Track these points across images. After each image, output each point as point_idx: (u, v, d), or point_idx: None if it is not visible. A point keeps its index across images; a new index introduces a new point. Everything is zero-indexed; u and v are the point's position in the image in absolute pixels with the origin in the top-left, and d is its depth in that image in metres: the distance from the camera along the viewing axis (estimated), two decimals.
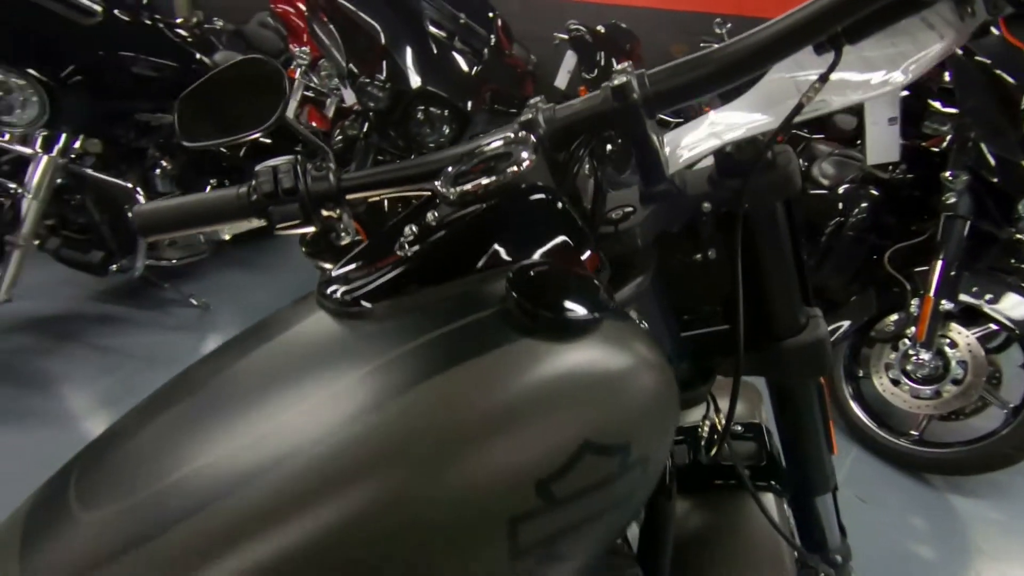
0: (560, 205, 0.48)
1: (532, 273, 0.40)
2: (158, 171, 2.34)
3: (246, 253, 2.95)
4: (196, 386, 0.42)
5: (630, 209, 0.60)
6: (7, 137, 1.87)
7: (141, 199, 2.15)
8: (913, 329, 1.91)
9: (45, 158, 1.91)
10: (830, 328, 2.12)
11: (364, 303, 0.42)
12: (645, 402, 0.40)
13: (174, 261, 2.45)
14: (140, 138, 2.25)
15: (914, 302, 1.92)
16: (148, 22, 2.17)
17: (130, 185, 2.09)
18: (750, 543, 0.77)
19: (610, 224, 0.59)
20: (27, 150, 1.90)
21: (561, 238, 0.46)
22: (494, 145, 0.50)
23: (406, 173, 0.59)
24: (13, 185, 1.92)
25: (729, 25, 3.84)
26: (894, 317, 2.01)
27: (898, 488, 1.92)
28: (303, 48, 3.24)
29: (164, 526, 0.32)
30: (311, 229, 0.60)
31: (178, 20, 2.93)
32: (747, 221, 0.60)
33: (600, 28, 4.06)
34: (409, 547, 0.32)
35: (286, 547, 0.31)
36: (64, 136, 1.91)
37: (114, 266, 2.24)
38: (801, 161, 3.11)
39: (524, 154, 0.47)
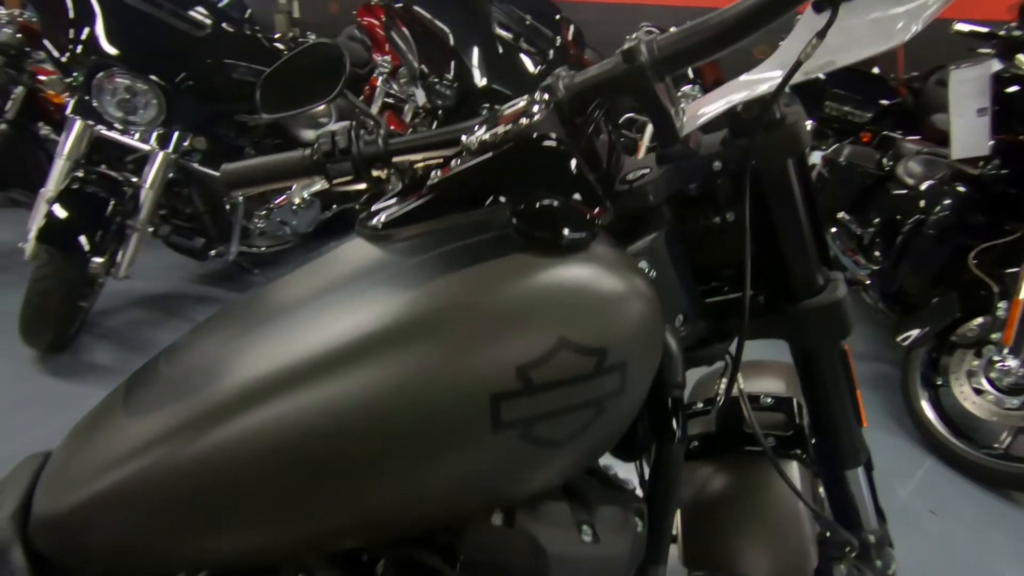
0: (567, 153, 0.54)
1: (534, 205, 0.47)
2: None
3: (326, 244, 3.18)
4: (244, 304, 0.51)
5: (646, 170, 0.65)
6: (136, 136, 2.15)
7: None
8: (999, 334, 1.78)
9: (161, 154, 2.18)
10: (904, 335, 2.02)
11: (390, 229, 0.50)
12: (623, 316, 0.45)
13: (263, 249, 2.71)
14: (239, 137, 2.51)
15: (1001, 305, 1.79)
16: (249, 33, 2.42)
17: None
18: (769, 508, 0.79)
19: (625, 184, 0.64)
20: (146, 147, 2.17)
21: (566, 181, 0.52)
22: (518, 106, 0.57)
23: (444, 137, 0.66)
24: (136, 179, 2.20)
25: None
26: (978, 321, 1.87)
27: (975, 502, 1.78)
28: (385, 57, 3.46)
29: (199, 405, 0.39)
30: (362, 186, 0.69)
31: (276, 35, 3.23)
32: (758, 179, 0.63)
33: (672, 30, 4.02)
34: (409, 412, 0.39)
35: (315, 411, 0.39)
36: (176, 134, 2.18)
37: (212, 252, 2.50)
38: (885, 160, 2.94)
39: (536, 107, 0.53)
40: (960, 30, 2.03)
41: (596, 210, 0.52)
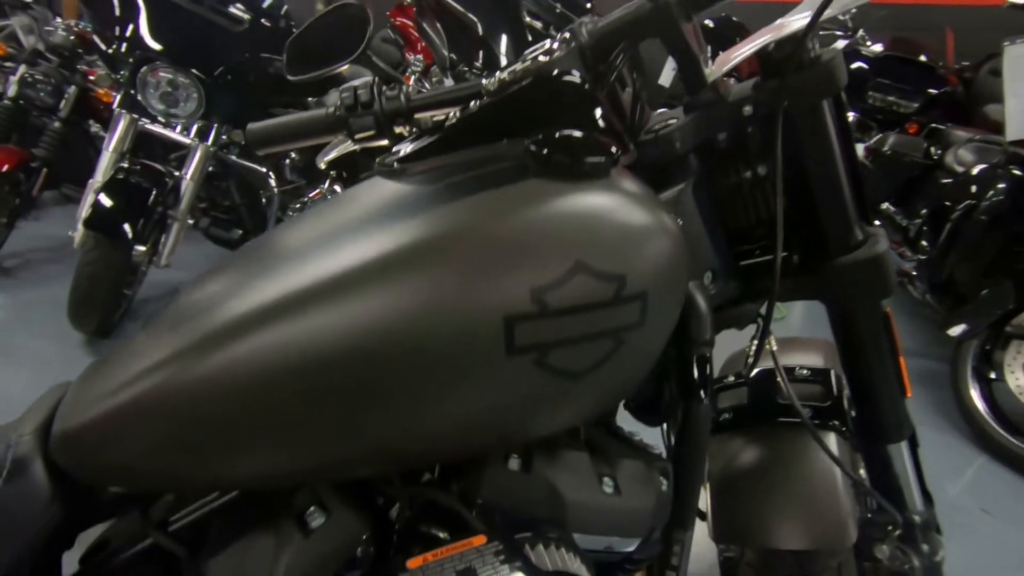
0: (589, 91, 0.52)
1: (553, 134, 0.45)
2: (287, 161, 2.65)
3: None
4: (258, 243, 0.51)
5: (673, 121, 0.63)
6: (179, 129, 2.23)
7: (273, 184, 2.46)
8: None
9: (201, 147, 2.25)
10: (955, 327, 1.92)
11: (406, 164, 0.49)
12: (643, 245, 0.43)
13: None
14: None
15: None
16: (285, 28, 2.48)
17: (264, 170, 2.40)
18: (805, 481, 0.75)
19: (651, 133, 0.62)
20: (186, 140, 2.25)
21: (586, 120, 0.51)
22: (540, 50, 0.56)
23: (467, 92, 0.66)
24: (177, 172, 2.28)
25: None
26: None
27: None
28: (417, 56, 3.51)
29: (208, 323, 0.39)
30: (384, 142, 0.69)
31: None
32: (791, 125, 0.60)
33: (709, 23, 3.96)
34: (422, 336, 0.39)
35: (334, 332, 0.38)
36: (215, 127, 2.24)
37: None
38: (934, 149, 2.82)
39: (555, 44, 0.52)
40: (1015, 2, 1.92)
41: (618, 147, 0.50)
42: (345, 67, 0.74)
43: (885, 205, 2.91)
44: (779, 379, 0.83)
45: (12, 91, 2.69)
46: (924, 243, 2.41)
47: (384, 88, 0.69)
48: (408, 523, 0.47)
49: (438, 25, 2.71)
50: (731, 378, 0.90)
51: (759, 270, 0.68)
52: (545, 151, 0.43)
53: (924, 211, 2.58)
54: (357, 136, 0.69)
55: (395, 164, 0.51)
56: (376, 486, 0.49)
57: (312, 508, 0.43)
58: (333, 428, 0.39)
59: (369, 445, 0.41)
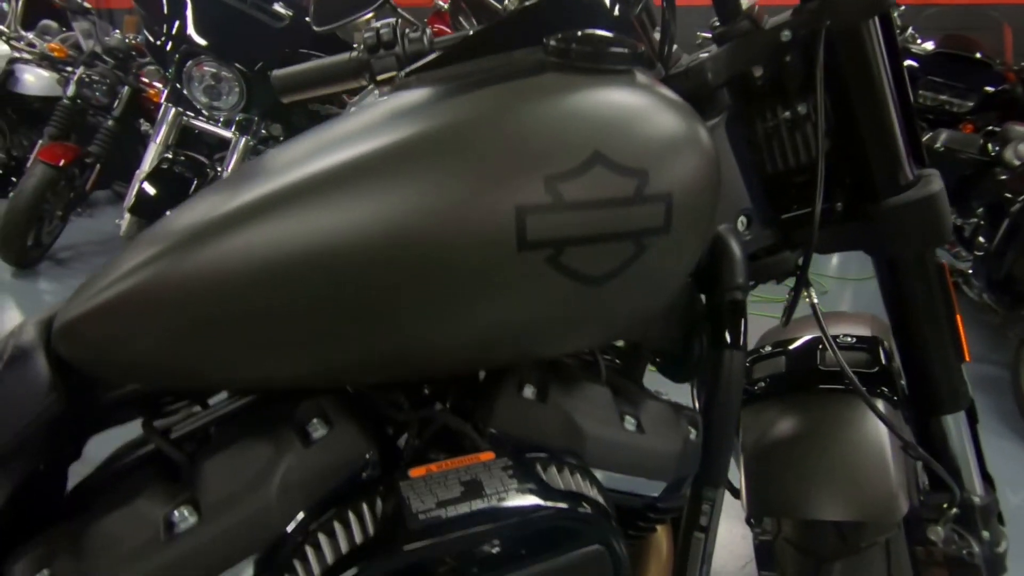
0: (614, 5, 0.50)
1: (575, 33, 0.43)
2: None
3: None
4: (270, 151, 0.50)
5: (706, 55, 0.60)
6: (220, 123, 2.31)
7: None
8: None
9: (243, 140, 2.32)
10: (1016, 327, 1.79)
11: (418, 75, 0.48)
12: (668, 141, 0.40)
13: None
14: (312, 124, 2.63)
15: None
16: None
17: None
18: (850, 449, 0.69)
19: (681, 67, 0.59)
20: (227, 133, 2.32)
21: (603, 21, 0.48)
22: None
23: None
24: (220, 167, 2.36)
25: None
26: None
27: None
28: None
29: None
30: None
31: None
32: (833, 48, 0.56)
33: None
34: (430, 227, 0.36)
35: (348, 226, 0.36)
36: (255, 120, 2.31)
37: None
38: (992, 145, 2.68)
39: None
40: None
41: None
42: (370, 15, 0.73)
43: None
44: (822, 342, 0.79)
45: (71, 91, 2.84)
46: (981, 239, 2.27)
47: (407, 30, 0.69)
48: (415, 449, 0.45)
49: (473, 20, 2.74)
50: (767, 348, 0.85)
51: (798, 219, 0.64)
52: (566, 45, 0.41)
53: (980, 209, 2.45)
54: (379, 77, 0.69)
55: (411, 75, 0.49)
56: (383, 411, 0.47)
57: (315, 420, 0.41)
58: (332, 325, 0.37)
59: (371, 347, 0.39)
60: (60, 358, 0.39)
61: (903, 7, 3.56)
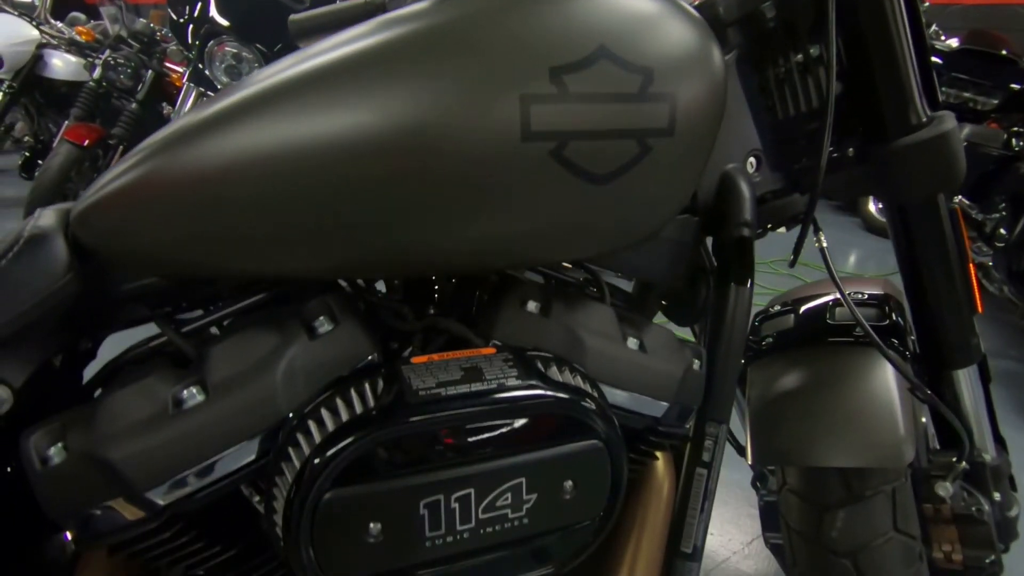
0: None
1: None
2: None
3: None
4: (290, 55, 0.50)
5: None
6: None
7: None
8: None
9: None
10: None
11: None
12: (676, 45, 0.40)
13: None
14: None
15: None
16: None
17: None
18: (857, 397, 0.69)
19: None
20: None
21: None
22: None
23: None
24: None
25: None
26: None
27: None
28: None
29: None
30: None
31: None
32: None
33: None
34: (434, 115, 0.37)
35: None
36: None
37: None
38: (1016, 140, 2.63)
39: None
40: None
41: None
42: None
43: (959, 199, 2.72)
44: (832, 300, 0.78)
45: (97, 73, 2.91)
46: (1002, 231, 2.23)
47: None
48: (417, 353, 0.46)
49: None
50: (776, 308, 0.85)
51: (810, 160, 0.63)
52: None
53: (1003, 204, 2.41)
54: None
55: None
56: (388, 322, 0.47)
57: (321, 317, 0.41)
58: (333, 217, 0.38)
59: (371, 240, 0.39)
60: (77, 244, 0.40)
61: (927, 3, 3.50)
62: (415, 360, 0.40)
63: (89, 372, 0.47)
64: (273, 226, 0.38)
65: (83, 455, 0.37)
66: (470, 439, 0.37)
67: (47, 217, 0.41)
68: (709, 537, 1.27)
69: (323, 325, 0.41)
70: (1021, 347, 2.11)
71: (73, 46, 3.32)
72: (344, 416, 0.37)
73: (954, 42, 3.37)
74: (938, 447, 0.77)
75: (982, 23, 3.54)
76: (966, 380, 0.72)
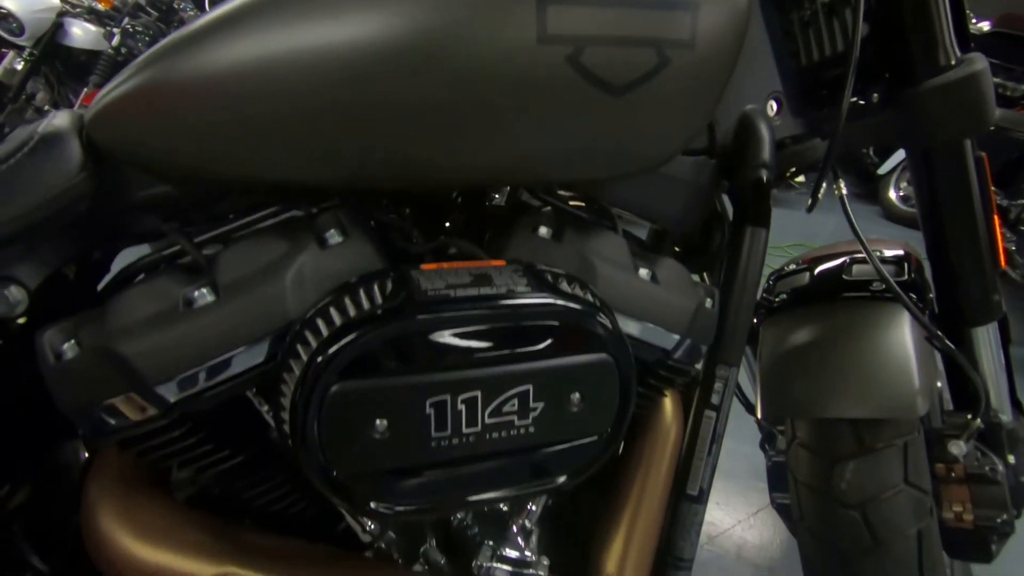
0: None
1: None
2: None
3: None
4: None
5: None
6: None
7: None
8: None
9: None
10: None
11: None
12: None
13: None
14: None
15: None
16: None
17: None
18: (870, 350, 0.67)
19: None
20: None
21: None
22: None
23: None
24: None
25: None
26: None
27: None
28: None
29: None
30: None
31: None
32: None
33: None
34: (448, 13, 0.36)
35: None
36: None
37: None
38: None
39: None
40: None
41: None
42: None
43: None
44: (848, 258, 0.77)
45: (116, 41, 2.93)
46: None
47: None
48: None
49: None
50: (791, 267, 0.83)
51: (832, 108, 0.62)
52: None
53: None
54: None
55: None
56: (398, 244, 0.47)
57: (332, 230, 0.41)
58: (341, 120, 0.38)
59: (381, 146, 0.39)
60: (91, 145, 0.40)
61: None
62: (424, 267, 0.39)
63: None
64: (282, 129, 0.38)
65: (96, 349, 0.38)
66: (478, 342, 0.37)
67: (61, 118, 0.41)
68: (715, 507, 1.29)
69: (334, 237, 0.41)
70: None
71: (92, 14, 3.33)
72: (352, 313, 0.37)
73: (986, 25, 3.27)
74: (953, 409, 0.76)
75: (1015, 6, 3.43)
76: (985, 338, 0.71)
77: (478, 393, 0.37)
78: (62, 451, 0.47)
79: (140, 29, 2.90)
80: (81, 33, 3.44)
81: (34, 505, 0.45)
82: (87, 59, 3.41)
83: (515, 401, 0.38)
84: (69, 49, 3.48)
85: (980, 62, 0.58)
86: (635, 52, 0.39)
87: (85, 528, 0.41)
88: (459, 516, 0.53)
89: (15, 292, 0.41)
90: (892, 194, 3.72)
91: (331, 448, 0.36)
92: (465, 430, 0.37)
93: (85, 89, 2.99)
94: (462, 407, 0.37)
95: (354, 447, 0.36)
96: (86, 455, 0.48)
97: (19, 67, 3.32)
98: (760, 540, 1.22)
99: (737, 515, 1.27)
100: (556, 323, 0.39)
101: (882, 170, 3.76)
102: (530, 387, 0.38)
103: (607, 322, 0.40)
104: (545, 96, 0.39)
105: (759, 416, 0.76)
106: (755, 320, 0.79)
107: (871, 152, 3.86)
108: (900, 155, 3.56)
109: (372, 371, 0.35)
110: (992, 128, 1.93)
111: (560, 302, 0.39)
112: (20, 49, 3.29)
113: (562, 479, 0.42)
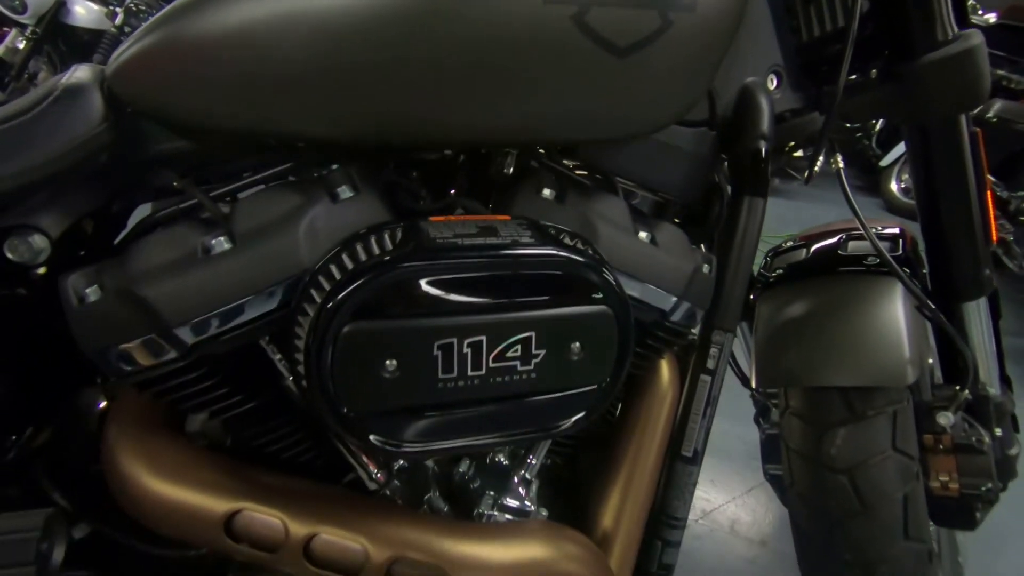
0: None
1: None
2: None
3: None
4: None
5: None
6: None
7: None
8: None
9: None
10: None
11: None
12: None
13: None
14: None
15: None
16: None
17: None
18: (862, 320, 0.69)
19: None
20: None
21: None
22: None
23: None
24: None
25: None
26: None
27: None
28: None
29: None
30: None
31: None
32: None
33: None
34: None
35: None
36: None
37: None
38: None
39: None
40: None
41: None
42: None
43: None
44: (843, 234, 0.78)
45: (119, 19, 2.92)
46: None
47: None
48: None
49: None
50: (788, 243, 0.85)
51: (830, 83, 0.63)
52: None
53: None
54: None
55: None
56: (405, 203, 0.48)
57: (344, 185, 0.43)
58: (350, 76, 0.39)
59: (388, 102, 0.40)
60: (112, 97, 0.41)
61: None
62: (433, 219, 0.41)
63: None
64: (291, 85, 0.39)
65: (118, 292, 0.39)
66: (484, 288, 0.39)
67: (83, 71, 0.42)
68: (709, 485, 1.31)
69: (345, 192, 0.43)
70: None
71: None
72: (364, 258, 0.38)
73: (992, 17, 3.26)
74: (942, 383, 0.78)
75: None
76: (976, 313, 0.72)
77: (483, 338, 0.39)
78: (80, 396, 0.49)
79: (144, 8, 2.89)
80: (84, 12, 3.43)
81: (55, 446, 0.47)
82: (90, 38, 3.40)
83: (518, 347, 0.40)
84: (72, 28, 3.47)
85: (976, 37, 0.59)
86: (639, 14, 0.40)
87: (106, 468, 0.43)
88: (461, 469, 0.55)
89: (38, 240, 0.42)
90: (894, 186, 3.73)
91: (343, 386, 0.38)
92: (471, 373, 0.39)
93: None
94: (468, 350, 0.38)
95: (365, 385, 0.38)
96: (103, 402, 0.50)
97: (21, 46, 3.31)
98: (752, 516, 1.25)
99: (731, 492, 1.30)
100: (559, 273, 0.40)
101: (884, 162, 3.76)
102: (533, 334, 0.40)
103: (608, 276, 0.42)
104: (550, 55, 0.40)
105: (754, 386, 0.78)
106: (751, 296, 0.81)
107: (873, 144, 3.87)
108: (902, 147, 3.56)
109: (383, 313, 0.37)
110: (995, 120, 1.95)
111: (563, 253, 0.40)
112: (23, 27, 3.28)
113: (561, 426, 0.44)
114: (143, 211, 0.50)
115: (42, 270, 0.46)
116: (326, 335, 0.36)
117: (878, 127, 3.83)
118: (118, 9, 2.95)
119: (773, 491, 0.91)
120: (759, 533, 1.21)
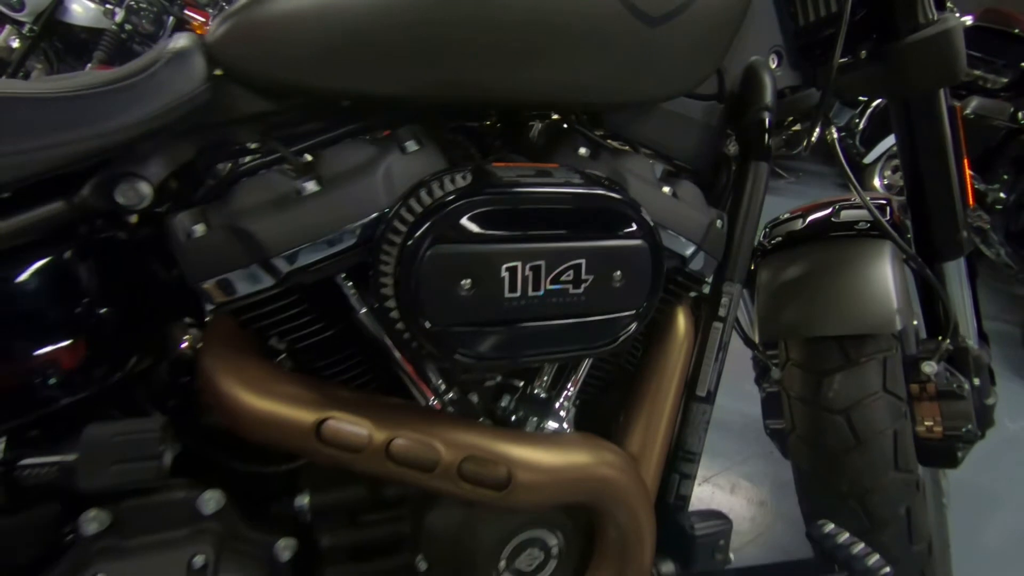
0: None
1: None
2: None
3: None
4: None
5: None
6: None
7: None
8: None
9: None
10: None
11: None
12: None
13: None
14: None
15: None
16: None
17: None
18: (854, 274, 0.77)
19: None
20: None
21: None
22: None
23: None
24: None
25: None
26: None
27: None
28: None
29: None
30: None
31: None
32: None
33: None
34: None
35: None
36: None
37: None
38: (1021, 114, 2.68)
39: None
40: None
41: None
42: None
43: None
44: (837, 205, 0.86)
45: (119, 17, 2.95)
46: (1002, 195, 2.31)
47: None
48: None
49: None
50: (786, 215, 0.92)
51: (824, 61, 0.70)
52: None
53: (1006, 176, 2.48)
54: None
55: None
56: (457, 158, 0.55)
57: (411, 140, 0.49)
58: (417, 44, 0.46)
59: (449, 67, 0.46)
60: (212, 61, 0.47)
61: None
62: (495, 164, 0.48)
63: None
64: (372, 48, 0.46)
65: (223, 227, 0.45)
66: (543, 219, 0.46)
67: (185, 38, 0.48)
68: (712, 453, 1.39)
69: (412, 145, 0.49)
70: (1012, 312, 2.22)
71: None
72: (440, 193, 0.45)
73: (968, 19, 3.39)
74: (926, 337, 0.86)
75: (996, 1, 3.55)
76: (955, 273, 0.81)
77: (542, 262, 0.45)
78: (172, 329, 0.55)
79: (144, 6, 2.93)
80: (81, 10, 3.45)
81: (152, 371, 0.53)
82: (87, 36, 3.41)
83: (571, 272, 0.46)
84: (69, 26, 3.48)
85: (953, 20, 0.67)
86: None
87: (205, 387, 0.49)
88: (503, 404, 0.62)
89: (143, 187, 0.48)
90: (877, 182, 3.84)
91: (427, 302, 0.44)
92: (531, 293, 0.45)
93: (89, 65, 3.01)
94: (529, 273, 0.45)
95: (445, 300, 0.44)
96: (189, 334, 0.56)
97: (15, 44, 3.32)
98: (751, 481, 1.32)
99: (731, 460, 1.38)
100: (605, 209, 0.47)
101: (867, 160, 3.88)
102: (583, 261, 0.47)
103: (645, 216, 0.49)
104: (588, 22, 0.47)
105: (756, 340, 0.85)
106: (752, 266, 0.89)
107: (857, 143, 3.99)
108: (884, 145, 3.69)
109: (460, 238, 0.44)
110: (972, 117, 2.05)
111: (609, 193, 0.47)
112: (20, 25, 3.29)
113: (604, 345, 0.51)
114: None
115: (133, 219, 0.52)
116: (413, 257, 0.43)
117: (861, 126, 3.95)
118: (117, 8, 2.97)
119: (774, 446, 0.99)
120: (758, 495, 1.29)
